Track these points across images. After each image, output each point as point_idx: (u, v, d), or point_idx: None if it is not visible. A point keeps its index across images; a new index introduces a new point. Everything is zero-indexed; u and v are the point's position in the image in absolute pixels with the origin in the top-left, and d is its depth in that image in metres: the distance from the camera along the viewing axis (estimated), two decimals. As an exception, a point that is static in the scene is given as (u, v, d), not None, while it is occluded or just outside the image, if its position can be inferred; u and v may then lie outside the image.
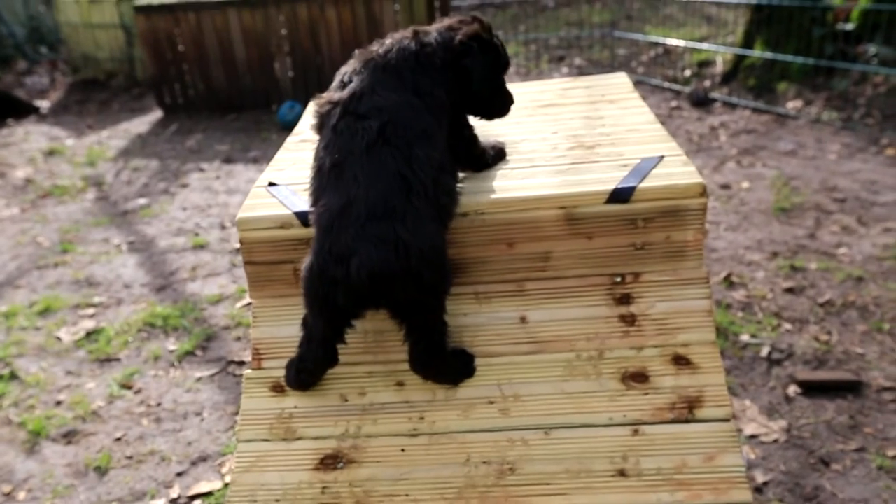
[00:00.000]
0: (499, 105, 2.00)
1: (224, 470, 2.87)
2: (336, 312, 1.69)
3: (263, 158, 6.54)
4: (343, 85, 1.78)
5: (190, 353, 3.67)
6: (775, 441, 2.69)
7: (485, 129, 2.42)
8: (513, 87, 2.88)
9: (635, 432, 1.79)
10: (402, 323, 1.73)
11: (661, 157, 2.04)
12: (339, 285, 1.59)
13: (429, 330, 1.75)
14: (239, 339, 3.75)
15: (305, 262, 1.68)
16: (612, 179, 1.93)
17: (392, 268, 1.56)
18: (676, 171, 1.95)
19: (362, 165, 1.62)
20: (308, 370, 1.83)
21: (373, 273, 1.55)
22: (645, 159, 2.03)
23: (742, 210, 4.66)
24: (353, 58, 1.83)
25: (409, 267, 1.58)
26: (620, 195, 1.89)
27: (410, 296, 1.65)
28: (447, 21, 1.91)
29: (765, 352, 3.20)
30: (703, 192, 1.88)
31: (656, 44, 8.62)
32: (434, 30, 1.87)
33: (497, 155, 2.09)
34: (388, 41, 1.82)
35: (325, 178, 1.67)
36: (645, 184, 1.90)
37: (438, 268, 1.67)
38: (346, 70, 1.82)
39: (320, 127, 1.80)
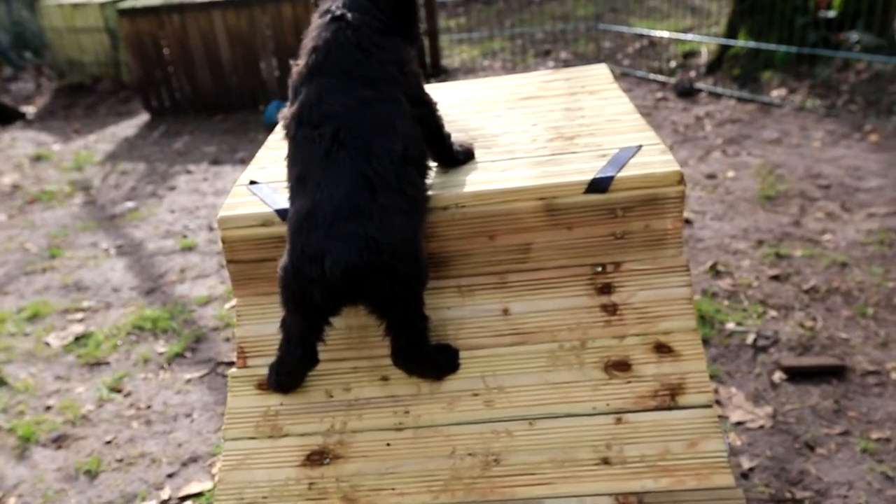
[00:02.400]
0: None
1: (214, 470, 2.88)
2: (313, 310, 1.71)
3: (251, 159, 6.51)
4: (295, 96, 1.77)
5: (179, 355, 3.67)
6: (761, 427, 2.71)
7: (466, 123, 2.43)
8: (493, 80, 2.90)
9: (618, 420, 1.81)
10: (382, 318, 1.74)
11: (640, 146, 2.05)
12: (314, 283, 1.61)
13: (408, 324, 1.76)
14: (228, 339, 3.75)
15: (280, 262, 1.69)
16: (590, 170, 1.95)
17: (365, 263, 1.57)
18: (654, 159, 1.96)
19: (323, 172, 1.62)
20: (288, 372, 1.85)
21: (346, 270, 1.57)
22: (623, 149, 2.04)
23: (727, 199, 4.68)
24: (294, 67, 1.80)
25: (382, 262, 1.59)
26: (599, 185, 1.91)
27: (386, 290, 1.66)
28: None
29: (750, 339, 3.23)
30: (681, 180, 1.89)
31: (641, 35, 8.64)
32: None
33: (466, 154, 2.08)
34: (322, 39, 1.74)
35: (293, 188, 1.70)
36: (623, 173, 1.91)
37: (412, 261, 1.67)
38: (294, 81, 1.79)
39: (288, 139, 1.80)
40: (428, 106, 1.92)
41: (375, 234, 1.57)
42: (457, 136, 2.27)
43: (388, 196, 1.62)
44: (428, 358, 1.82)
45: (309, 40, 1.78)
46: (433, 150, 1.96)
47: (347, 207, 1.58)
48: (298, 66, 1.78)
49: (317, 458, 1.86)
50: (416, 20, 1.90)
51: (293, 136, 1.73)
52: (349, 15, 1.74)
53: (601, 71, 2.85)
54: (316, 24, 1.80)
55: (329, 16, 1.77)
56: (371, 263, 1.58)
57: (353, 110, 1.66)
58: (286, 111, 1.80)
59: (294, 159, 1.72)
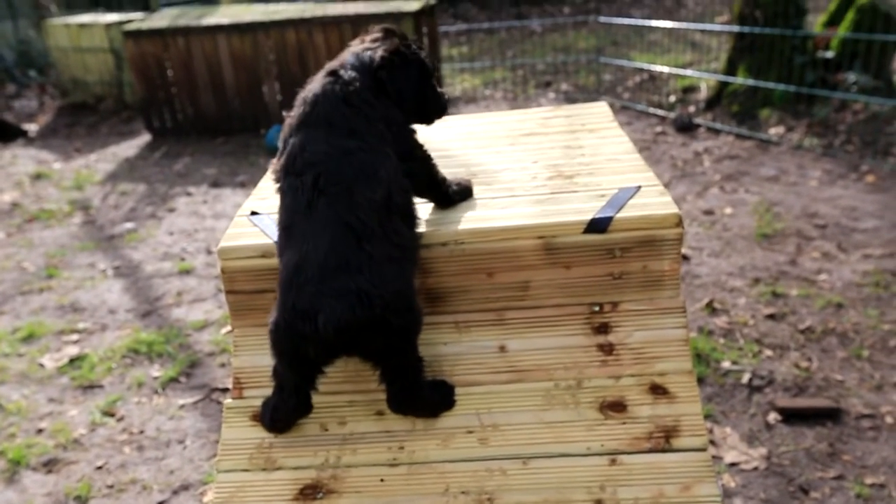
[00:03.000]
0: (432, 109, 1.97)
1: (206, 499, 2.85)
2: (306, 364, 1.71)
3: (251, 183, 6.56)
4: (284, 147, 1.78)
5: (174, 380, 3.66)
6: (755, 469, 2.70)
7: (467, 158, 2.45)
8: (494, 115, 2.93)
9: (613, 462, 1.80)
10: (376, 367, 1.74)
11: (639, 187, 2.06)
12: (307, 340, 1.59)
13: (403, 370, 1.75)
14: (223, 365, 3.74)
15: (271, 317, 1.68)
16: (589, 209, 1.96)
17: (358, 319, 1.55)
18: (653, 201, 1.97)
19: (307, 222, 1.62)
20: (282, 419, 1.85)
21: (340, 327, 1.55)
22: (622, 189, 2.06)
23: (725, 236, 4.71)
24: (286, 119, 1.82)
25: (375, 316, 1.57)
26: (598, 225, 1.92)
27: (380, 343, 1.65)
28: (361, 43, 1.88)
29: (746, 378, 3.23)
30: (679, 222, 1.90)
31: (642, 69, 8.74)
32: (351, 57, 1.82)
33: (462, 191, 2.05)
34: (311, 92, 1.77)
35: (281, 239, 1.69)
36: (622, 214, 1.92)
37: (405, 312, 1.66)
38: (284, 132, 1.81)
39: (278, 190, 1.81)
40: (419, 161, 1.89)
41: (367, 288, 1.55)
42: (457, 170, 2.29)
43: (374, 244, 1.60)
44: (423, 399, 1.81)
45: (302, 94, 1.80)
46: (429, 196, 1.97)
47: (334, 260, 1.56)
48: (290, 117, 1.80)
49: (310, 492, 1.85)
50: (396, 94, 1.87)
51: (280, 186, 1.74)
52: (343, 72, 1.76)
53: (602, 109, 2.87)
54: (313, 80, 1.82)
55: (325, 71, 1.80)
56: (364, 319, 1.56)
57: (334, 158, 1.66)
58: (275, 162, 1.81)
59: (281, 209, 1.72)
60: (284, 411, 1.82)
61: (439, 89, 1.97)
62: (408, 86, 1.85)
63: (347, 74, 1.76)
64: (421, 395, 1.79)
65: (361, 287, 1.55)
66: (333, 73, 1.76)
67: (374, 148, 1.70)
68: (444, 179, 1.99)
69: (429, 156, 1.93)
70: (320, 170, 1.64)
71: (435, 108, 1.97)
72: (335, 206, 1.61)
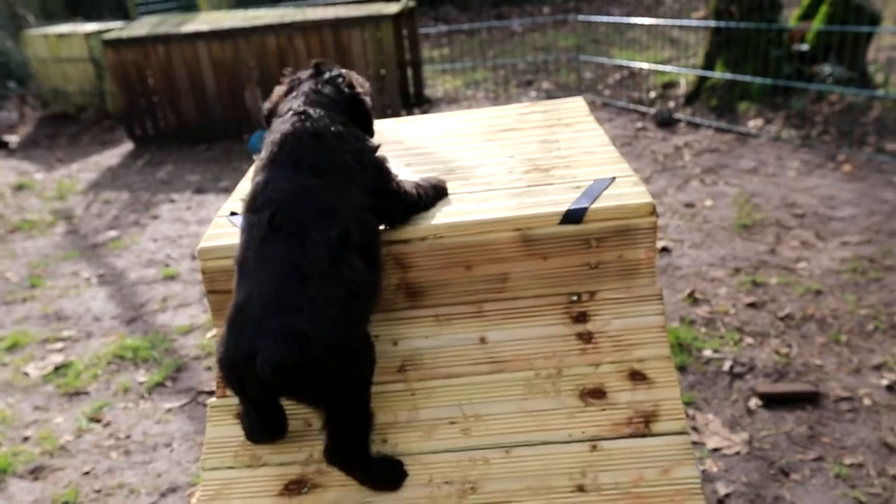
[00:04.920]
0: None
1: (193, 500, 2.86)
2: (256, 399, 1.73)
3: (234, 188, 6.54)
4: (251, 186, 1.76)
5: (160, 385, 3.66)
6: (737, 453, 2.74)
7: (445, 155, 2.48)
8: (472, 113, 2.96)
9: (594, 448, 1.83)
10: (320, 412, 1.71)
11: (613, 178, 2.10)
12: (247, 380, 1.59)
13: (345, 421, 1.70)
14: (209, 368, 3.75)
15: (217, 352, 1.66)
16: (565, 201, 1.99)
17: (296, 361, 1.52)
18: (627, 191, 2.01)
19: (257, 259, 1.60)
20: (255, 438, 1.85)
21: (276, 369, 1.51)
22: (597, 181, 2.09)
23: (705, 228, 4.76)
24: (258, 161, 1.81)
25: (314, 358, 1.54)
26: (573, 216, 1.95)
27: (320, 388, 1.62)
28: (301, 82, 1.91)
29: (727, 366, 3.27)
30: (653, 211, 1.93)
31: (622, 67, 8.80)
32: (313, 95, 1.84)
33: (437, 193, 2.03)
34: (280, 132, 1.76)
35: (236, 275, 1.67)
36: (597, 204, 1.96)
37: (348, 356, 1.62)
38: (253, 172, 1.80)
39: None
40: (393, 196, 1.87)
41: (306, 330, 1.52)
42: (434, 167, 2.32)
43: (319, 286, 1.56)
44: (363, 463, 1.74)
45: (270, 136, 1.79)
46: (408, 219, 1.95)
47: (276, 299, 1.54)
48: (259, 159, 1.78)
49: (295, 487, 1.87)
50: (370, 121, 1.94)
51: (242, 224, 1.72)
52: (309, 110, 1.77)
53: (578, 103, 2.91)
54: (279, 121, 1.81)
55: (290, 112, 1.79)
56: (302, 361, 1.52)
57: (292, 196, 1.64)
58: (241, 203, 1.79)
59: (238, 246, 1.70)
60: (254, 434, 1.84)
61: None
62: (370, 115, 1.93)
63: (316, 112, 1.77)
64: (362, 457, 1.74)
65: (300, 328, 1.52)
66: (303, 113, 1.76)
67: (336, 187, 1.68)
68: (418, 195, 1.96)
69: (401, 190, 1.90)
70: (277, 207, 1.62)
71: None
72: (287, 243, 1.58)
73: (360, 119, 1.89)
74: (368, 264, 1.71)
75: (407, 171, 2.35)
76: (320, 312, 1.55)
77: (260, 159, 1.78)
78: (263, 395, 1.70)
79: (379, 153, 1.88)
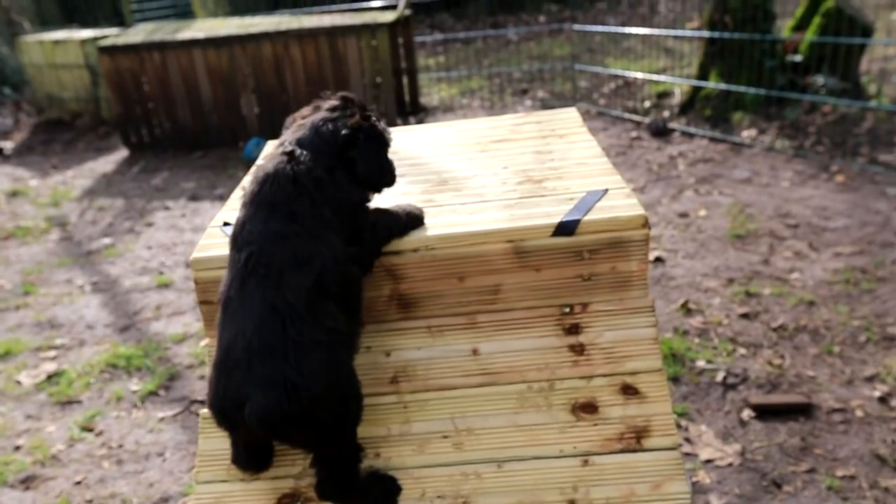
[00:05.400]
0: (387, 180, 1.93)
1: (186, 511, 2.85)
2: (246, 442, 1.75)
3: (230, 195, 6.54)
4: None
5: (153, 393, 3.65)
6: (730, 465, 2.74)
7: (438, 166, 2.48)
8: (465, 123, 2.97)
9: (585, 463, 1.83)
10: (309, 452, 1.73)
11: (606, 190, 2.10)
12: (236, 426, 1.61)
13: (334, 461, 1.72)
14: (202, 377, 3.74)
15: (207, 394, 1.67)
16: (558, 213, 1.99)
17: (284, 413, 1.52)
18: (620, 203, 2.01)
19: (239, 299, 1.59)
20: (241, 467, 1.85)
21: (263, 419, 1.52)
22: (590, 192, 2.10)
23: (699, 238, 4.77)
24: (243, 191, 1.78)
25: (303, 410, 1.53)
26: (566, 228, 1.95)
27: (308, 436, 1.64)
28: (317, 111, 1.84)
29: (720, 377, 3.28)
30: (645, 223, 1.94)
31: (617, 76, 8.83)
32: (311, 133, 1.78)
33: (410, 222, 1.96)
34: (263, 170, 1.72)
35: (220, 312, 1.66)
36: (589, 216, 1.96)
37: (336, 404, 1.62)
38: (240, 204, 1.78)
39: None
40: (366, 245, 1.83)
41: (295, 379, 1.52)
42: (427, 178, 2.32)
43: (301, 330, 1.55)
44: (354, 492, 1.76)
45: (256, 169, 1.77)
46: (375, 253, 1.91)
47: (260, 345, 1.53)
48: (244, 193, 1.76)
49: (288, 501, 1.86)
50: (363, 172, 1.82)
51: (228, 255, 1.71)
52: (298, 151, 1.72)
53: (571, 114, 2.92)
54: (269, 153, 1.79)
55: (281, 149, 1.76)
56: (291, 412, 1.52)
57: (268, 240, 1.62)
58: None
59: (224, 281, 1.69)
60: (242, 465, 1.84)
61: (391, 161, 1.94)
62: (373, 161, 1.83)
63: (303, 155, 1.71)
64: (353, 486, 1.75)
65: (289, 377, 1.52)
66: (289, 154, 1.71)
67: (312, 234, 1.65)
68: (388, 229, 1.90)
69: (376, 238, 1.86)
70: (253, 250, 1.61)
71: (388, 180, 1.93)
72: (263, 287, 1.58)
73: (350, 168, 1.79)
74: (347, 316, 1.69)
75: (400, 182, 2.34)
76: (308, 357, 1.55)
77: (244, 194, 1.75)
78: (253, 439, 1.72)
79: (363, 203, 1.82)
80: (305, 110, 1.88)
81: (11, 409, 3.64)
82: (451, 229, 1.96)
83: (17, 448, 3.34)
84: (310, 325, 1.57)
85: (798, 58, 6.92)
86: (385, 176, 1.91)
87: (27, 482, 3.11)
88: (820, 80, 6.75)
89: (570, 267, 1.97)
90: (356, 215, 1.79)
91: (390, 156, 1.97)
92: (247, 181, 1.78)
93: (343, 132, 1.76)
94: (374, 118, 1.86)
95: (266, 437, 1.72)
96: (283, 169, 1.68)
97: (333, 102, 1.84)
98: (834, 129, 6.35)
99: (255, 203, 1.69)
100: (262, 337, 1.54)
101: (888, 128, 6.28)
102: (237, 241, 1.67)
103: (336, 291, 1.65)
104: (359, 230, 1.80)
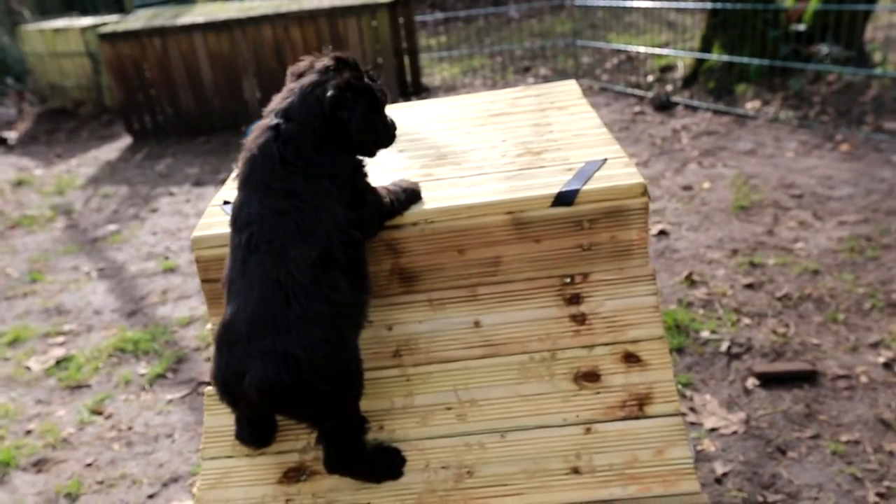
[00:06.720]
0: (383, 139, 1.84)
1: (195, 490, 2.88)
2: (249, 415, 1.78)
3: (233, 180, 6.54)
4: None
5: (161, 376, 3.68)
6: (734, 433, 2.75)
7: (437, 140, 2.48)
8: (465, 98, 2.95)
9: (588, 431, 1.84)
10: (311, 428, 1.74)
11: (605, 159, 2.10)
12: (238, 399, 1.62)
13: (339, 433, 1.73)
14: (209, 359, 3.76)
15: (210, 369, 1.70)
16: (556, 183, 1.99)
17: (283, 383, 1.53)
18: (618, 172, 2.01)
19: (241, 277, 1.60)
20: (244, 443, 1.88)
21: (263, 390, 1.53)
22: (589, 162, 2.09)
23: (703, 210, 4.76)
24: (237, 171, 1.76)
25: (302, 381, 1.54)
26: (565, 198, 1.95)
27: (310, 408, 1.65)
28: (312, 75, 1.74)
29: (724, 347, 3.28)
30: (644, 191, 1.93)
31: (619, 51, 8.76)
32: (298, 99, 1.69)
33: (408, 198, 1.94)
34: (251, 151, 1.69)
35: (224, 294, 1.67)
36: (588, 186, 1.96)
37: (337, 377, 1.62)
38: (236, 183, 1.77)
39: None
40: (370, 207, 1.81)
41: (295, 351, 1.52)
42: (426, 153, 2.32)
43: (304, 304, 1.54)
44: (362, 463, 1.78)
45: (244, 149, 1.74)
46: (376, 223, 1.88)
47: (262, 319, 1.54)
48: (237, 173, 1.75)
49: (293, 474, 1.88)
50: (353, 142, 1.75)
51: (230, 236, 1.71)
52: (283, 125, 1.66)
53: (570, 87, 2.90)
54: (256, 127, 1.75)
55: (265, 125, 1.70)
56: (290, 383, 1.53)
57: (267, 219, 1.60)
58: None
59: (227, 263, 1.70)
60: (245, 440, 1.87)
61: (390, 119, 1.86)
62: (366, 120, 1.72)
63: (288, 129, 1.65)
64: (359, 459, 1.77)
65: (288, 349, 1.52)
66: (274, 128, 1.66)
67: (312, 206, 1.62)
68: (391, 202, 1.89)
69: (378, 200, 1.84)
70: (253, 230, 1.61)
71: (385, 140, 1.85)
72: (265, 263, 1.57)
73: (340, 139, 1.71)
74: (353, 285, 1.68)
75: (399, 157, 2.35)
76: (309, 331, 1.55)
77: (237, 174, 1.74)
78: (255, 412, 1.74)
79: (358, 168, 1.79)
80: (302, 64, 1.79)
81: (22, 395, 3.68)
82: (451, 202, 1.96)
83: (29, 432, 3.38)
84: (314, 298, 1.57)
85: (802, 27, 6.84)
86: (381, 135, 1.81)
87: (39, 465, 3.15)
88: (824, 48, 6.68)
89: (570, 237, 1.97)
90: (354, 179, 1.77)
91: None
92: (240, 160, 1.78)
93: (329, 94, 1.67)
94: (366, 78, 1.77)
95: (267, 410, 1.74)
96: (270, 150, 1.65)
97: (326, 62, 1.75)
98: (839, 98, 6.29)
99: (248, 184, 1.68)
100: (263, 311, 1.55)
101: (893, 95, 6.22)
102: (237, 223, 1.67)
103: (342, 259, 1.64)
104: (359, 194, 1.78)
